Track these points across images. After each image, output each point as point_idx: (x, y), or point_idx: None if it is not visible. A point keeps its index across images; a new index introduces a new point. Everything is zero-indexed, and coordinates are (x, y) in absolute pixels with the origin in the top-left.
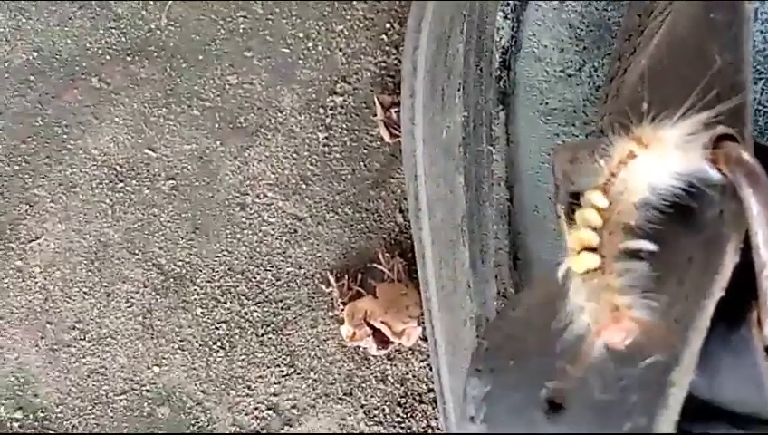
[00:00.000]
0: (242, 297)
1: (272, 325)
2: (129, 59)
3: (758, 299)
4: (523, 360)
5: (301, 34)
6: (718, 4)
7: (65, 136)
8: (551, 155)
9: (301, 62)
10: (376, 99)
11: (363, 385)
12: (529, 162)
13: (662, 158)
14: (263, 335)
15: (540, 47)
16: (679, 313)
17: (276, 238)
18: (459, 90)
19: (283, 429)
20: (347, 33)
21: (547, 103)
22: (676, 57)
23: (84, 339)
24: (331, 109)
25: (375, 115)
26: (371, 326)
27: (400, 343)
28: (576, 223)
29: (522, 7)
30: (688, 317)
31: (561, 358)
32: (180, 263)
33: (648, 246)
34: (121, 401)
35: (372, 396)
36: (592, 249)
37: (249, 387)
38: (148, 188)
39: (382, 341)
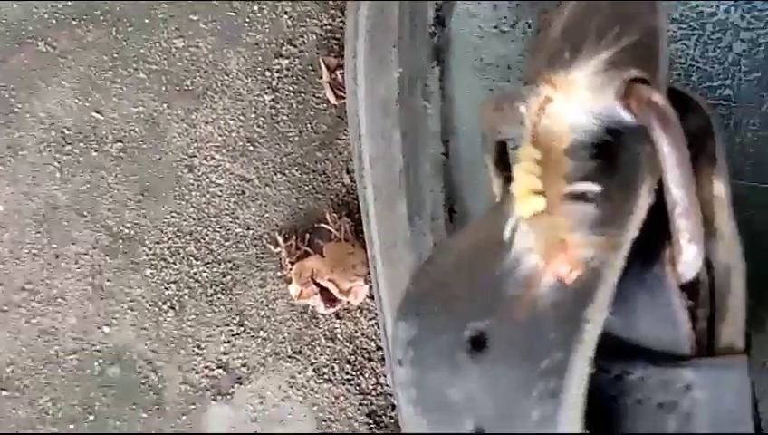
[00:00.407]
0: (191, 258)
1: (221, 286)
2: (75, 23)
3: (671, 238)
4: (448, 303)
5: None
6: None
7: (12, 99)
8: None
9: (247, 25)
10: (321, 61)
11: (312, 343)
12: (464, 117)
13: (575, 99)
14: (212, 295)
15: (474, 3)
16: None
17: (224, 199)
18: (395, 47)
19: (233, 386)
20: None
21: (481, 59)
22: (595, 8)
23: (34, 300)
24: (277, 71)
25: (321, 77)
26: (319, 285)
27: (348, 302)
28: (505, 171)
29: None
30: (604, 256)
31: (503, 299)
32: (129, 224)
33: (592, 187)
34: (72, 360)
35: (322, 354)
36: (538, 193)
37: (199, 346)
38: (95, 151)
39: (330, 299)
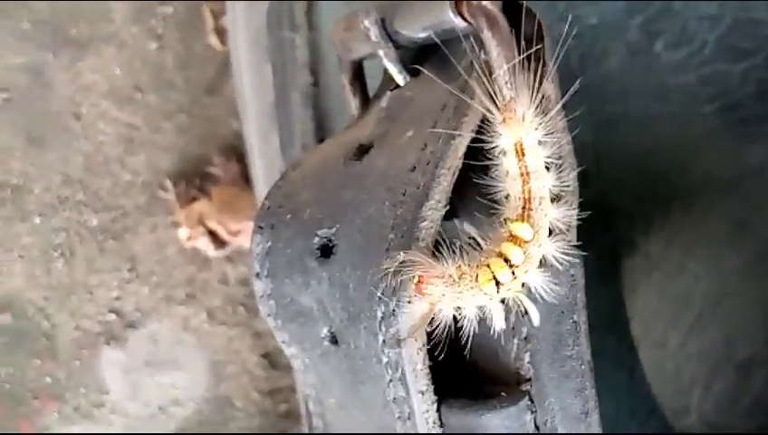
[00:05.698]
0: (80, 205)
1: (111, 232)
2: None
3: None
4: (297, 212)
5: None
6: None
7: None
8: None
9: None
10: (205, 7)
11: (205, 287)
12: (332, 47)
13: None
14: (102, 242)
15: None
16: (431, 153)
17: (112, 147)
18: None
19: (126, 331)
20: None
21: None
22: None
23: None
24: (162, 18)
25: (205, 24)
26: (208, 228)
27: (241, 245)
28: (361, 90)
29: None
30: (439, 156)
31: (348, 205)
32: (16, 173)
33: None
34: None
35: (215, 297)
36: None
37: (91, 292)
38: None
39: (219, 241)
